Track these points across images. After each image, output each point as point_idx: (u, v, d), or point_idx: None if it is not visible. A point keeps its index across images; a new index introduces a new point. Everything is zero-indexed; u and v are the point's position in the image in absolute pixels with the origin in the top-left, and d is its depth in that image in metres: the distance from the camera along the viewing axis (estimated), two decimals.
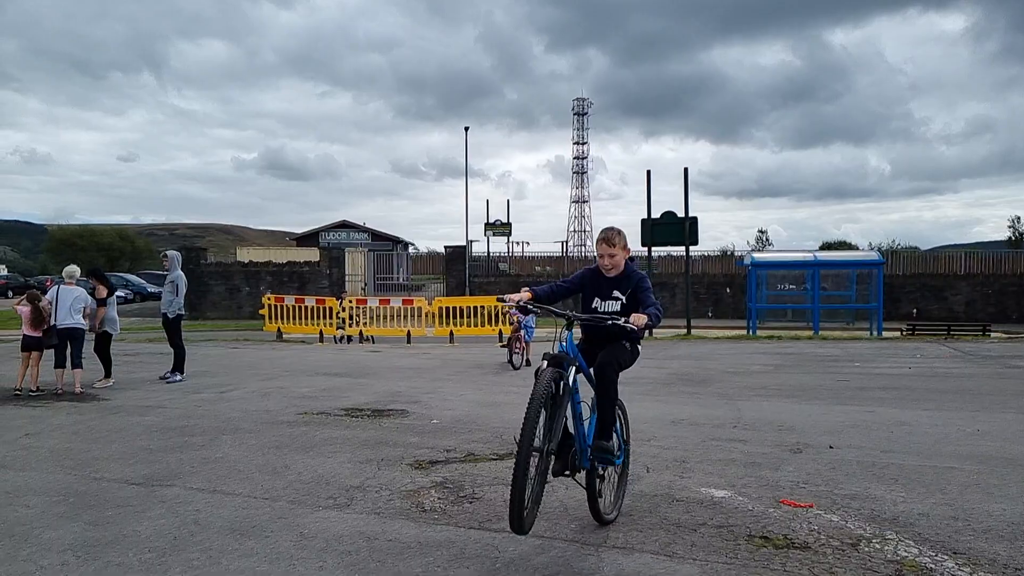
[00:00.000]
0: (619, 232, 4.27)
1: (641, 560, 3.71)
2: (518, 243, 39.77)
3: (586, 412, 4.04)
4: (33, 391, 9.17)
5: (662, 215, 17.61)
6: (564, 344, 3.82)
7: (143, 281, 42.50)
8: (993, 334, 17.64)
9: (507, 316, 15.71)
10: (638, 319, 3.81)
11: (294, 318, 19.13)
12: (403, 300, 19.53)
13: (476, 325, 18.05)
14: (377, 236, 50.96)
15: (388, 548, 3.87)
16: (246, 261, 33.58)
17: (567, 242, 54.94)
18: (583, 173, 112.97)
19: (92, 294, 10.17)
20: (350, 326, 18.68)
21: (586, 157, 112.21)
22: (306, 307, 19.23)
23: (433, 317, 18.73)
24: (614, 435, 4.14)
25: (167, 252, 11.11)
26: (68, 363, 9.43)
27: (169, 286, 10.54)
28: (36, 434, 6.83)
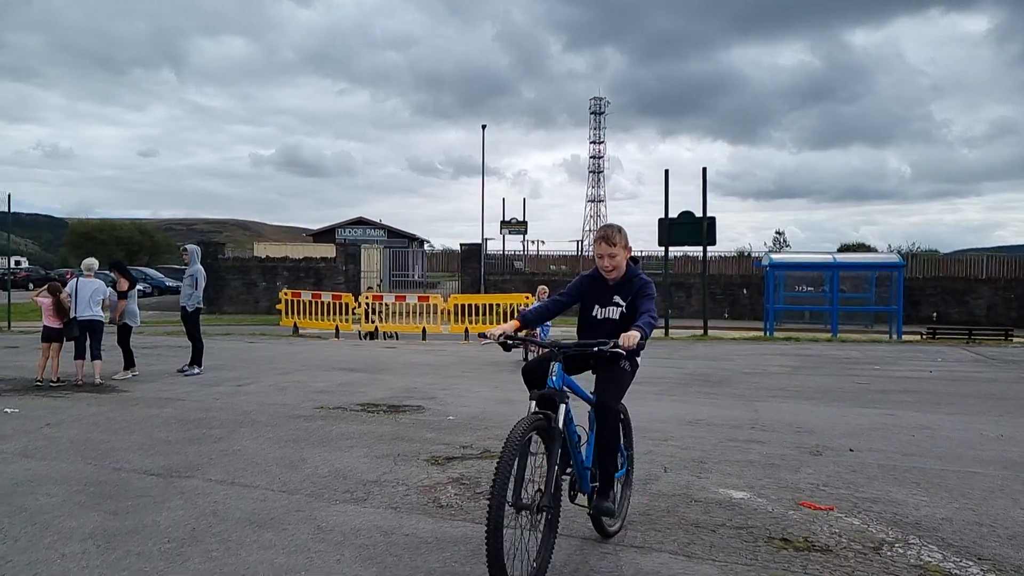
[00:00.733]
0: (619, 229, 3.87)
1: (659, 560, 3.68)
2: (533, 242, 39.79)
3: (581, 409, 3.83)
4: (54, 382, 9.27)
5: (680, 215, 17.51)
6: (554, 378, 3.40)
7: (161, 275, 42.94)
8: (1016, 339, 17.38)
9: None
10: (628, 339, 3.35)
11: (310, 313, 19.21)
12: (419, 297, 19.56)
13: (491, 322, 18.04)
14: (393, 233, 51.14)
15: (405, 543, 3.87)
16: (263, 256, 33.79)
17: (582, 241, 54.75)
18: (599, 172, 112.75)
19: (114, 286, 10.28)
20: (375, 322, 18.74)
21: (602, 156, 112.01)
22: (322, 303, 19.31)
23: (448, 314, 18.75)
24: (615, 484, 3.76)
25: (186, 246, 11.18)
26: (87, 355, 9.53)
27: (188, 280, 10.62)
28: (57, 424, 6.91)
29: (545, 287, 13.58)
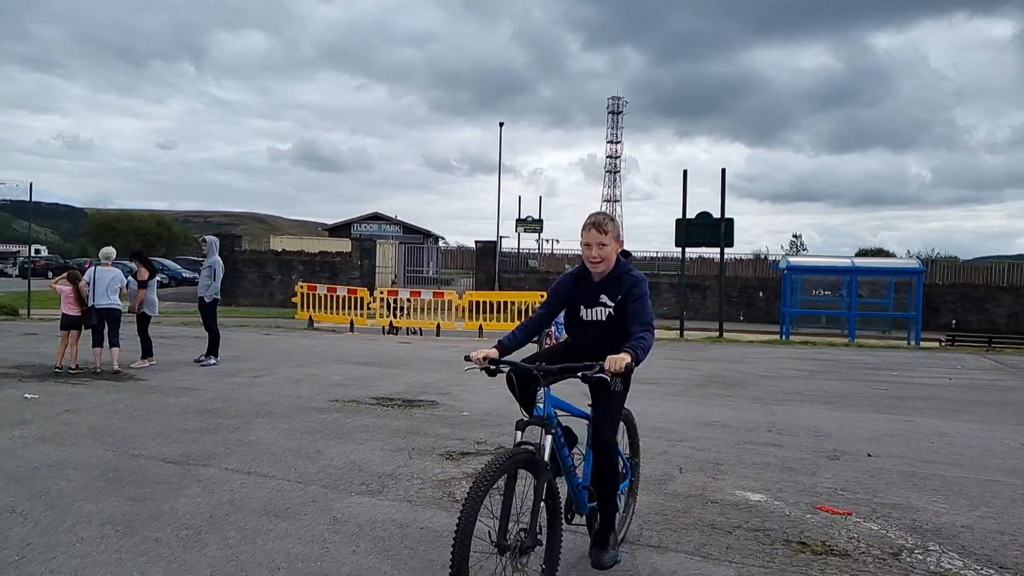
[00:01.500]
0: (612, 218, 3.49)
1: (676, 560, 3.66)
2: (548, 240, 39.76)
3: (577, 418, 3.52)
4: (72, 369, 9.37)
5: (697, 215, 17.41)
6: (540, 405, 3.09)
7: (178, 266, 43.30)
8: None
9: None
10: (615, 364, 2.97)
11: (326, 307, 19.30)
12: (434, 293, 19.59)
13: (506, 320, 18.04)
14: (408, 229, 51.27)
15: (420, 535, 3.87)
16: (279, 250, 34.01)
17: None
18: (616, 172, 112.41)
19: (134, 275, 10.37)
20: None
21: (619, 156, 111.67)
22: (338, 296, 19.39)
23: (463, 311, 18.77)
24: (615, 525, 3.47)
25: (205, 237, 11.26)
26: (105, 342, 9.62)
27: (207, 271, 10.70)
28: (76, 411, 6.98)
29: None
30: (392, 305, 19.01)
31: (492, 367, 3.26)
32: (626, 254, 3.58)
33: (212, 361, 10.40)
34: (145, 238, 58.59)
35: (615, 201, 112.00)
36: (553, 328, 12.25)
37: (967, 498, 4.80)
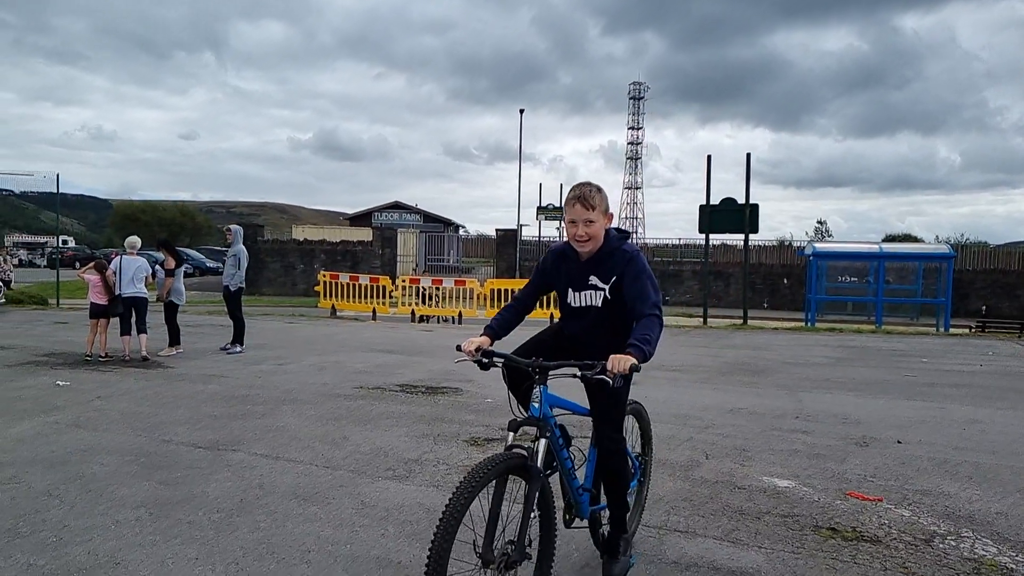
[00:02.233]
0: (598, 189, 3.01)
1: (704, 545, 3.64)
2: None
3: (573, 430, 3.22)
4: (102, 357, 9.53)
5: (721, 201, 17.20)
6: (536, 405, 2.80)
7: (202, 256, 43.80)
8: None
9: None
10: (618, 364, 2.61)
11: (348, 296, 19.41)
12: (455, 281, 19.62)
13: None
14: (429, 218, 51.40)
15: None
16: (301, 239, 34.23)
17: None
18: (637, 159, 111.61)
19: (161, 265, 10.51)
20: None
21: (641, 142, 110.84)
22: (360, 285, 19.50)
23: (484, 299, 18.78)
24: (624, 535, 3.20)
25: (230, 226, 11.36)
26: (133, 330, 9.76)
27: (231, 259, 10.79)
28: (107, 397, 7.10)
29: None
30: (421, 294, 19.06)
31: (485, 360, 2.95)
32: (621, 232, 3.15)
33: (238, 349, 10.52)
34: (169, 228, 59.36)
35: (636, 188, 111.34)
36: None
37: (1001, 485, 4.72)
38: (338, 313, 19.08)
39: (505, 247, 31.94)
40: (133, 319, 9.81)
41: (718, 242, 28.78)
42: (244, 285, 10.99)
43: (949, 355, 11.76)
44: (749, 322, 17.28)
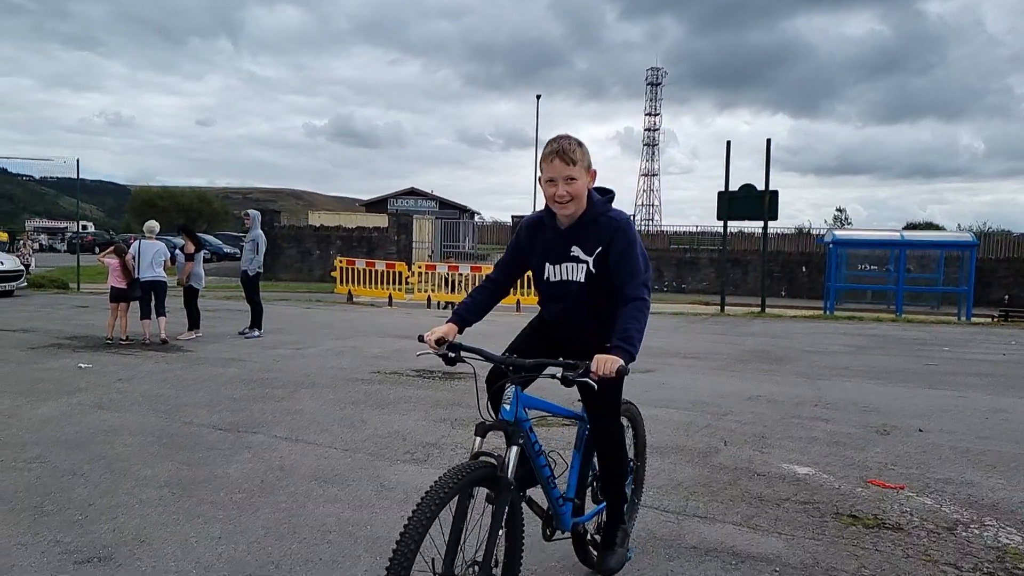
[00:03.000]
0: (579, 143, 2.62)
1: (723, 531, 3.63)
2: None
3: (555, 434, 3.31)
4: (123, 340, 9.64)
5: (741, 188, 17.03)
6: (507, 407, 2.45)
7: (219, 242, 44.10)
8: None
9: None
10: (603, 366, 2.31)
11: (364, 282, 19.49)
12: (471, 267, 19.63)
13: None
14: (444, 204, 51.37)
15: None
16: (317, 225, 34.35)
17: (634, 216, 54.22)
18: (654, 146, 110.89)
19: (181, 249, 10.60)
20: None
21: (658, 129, 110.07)
22: (376, 271, 19.56)
23: None
24: (622, 526, 2.93)
25: (248, 211, 11.42)
26: (152, 314, 9.86)
27: (250, 244, 10.85)
28: (128, 380, 7.18)
29: None
30: (442, 280, 19.03)
31: (451, 355, 2.58)
32: (605, 193, 2.74)
33: (256, 333, 10.60)
34: (187, 214, 59.75)
35: (653, 175, 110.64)
36: None
37: None
38: (354, 299, 19.16)
39: None
40: (152, 303, 9.90)
41: (735, 229, 28.58)
42: (262, 270, 11.06)
43: (971, 344, 11.61)
44: (767, 310, 17.17)
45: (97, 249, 33.88)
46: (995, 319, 17.52)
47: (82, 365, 7.88)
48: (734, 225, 21.72)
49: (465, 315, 2.78)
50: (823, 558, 3.33)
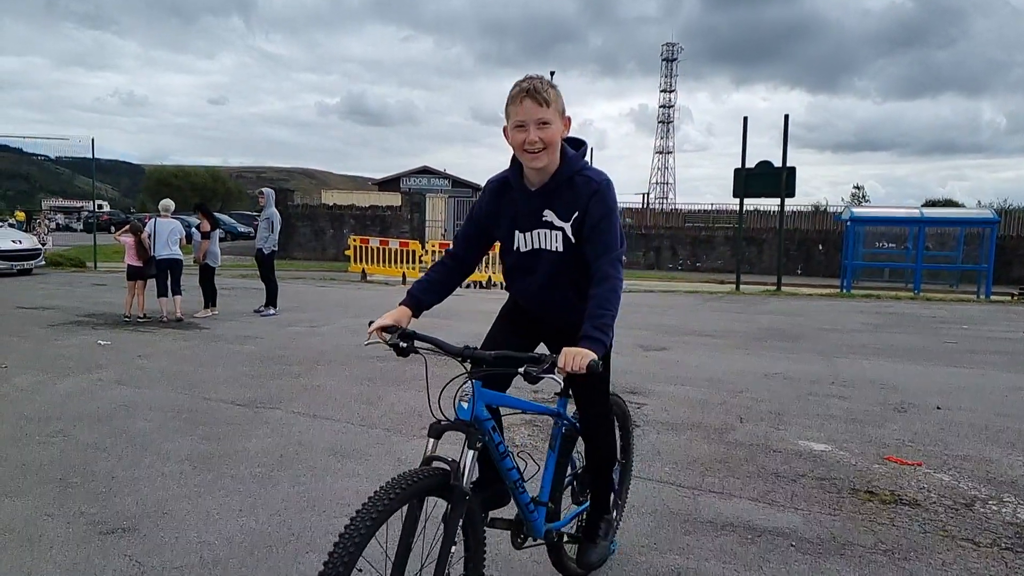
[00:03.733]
0: (552, 84, 2.23)
1: (740, 506, 3.63)
2: None
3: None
4: (140, 318, 9.74)
5: (757, 164, 16.83)
6: (465, 405, 2.16)
7: (233, 221, 44.31)
8: None
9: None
10: (572, 360, 2.01)
11: (378, 260, 19.54)
12: None
13: None
14: (457, 183, 51.21)
15: None
16: (331, 204, 34.41)
17: (648, 193, 53.88)
18: (669, 123, 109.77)
19: (197, 228, 10.66)
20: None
21: (673, 105, 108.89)
22: (389, 250, 19.60)
23: None
24: (607, 517, 2.71)
25: (262, 189, 11.44)
26: (168, 292, 9.95)
27: (264, 222, 10.88)
28: (147, 356, 7.26)
29: None
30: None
31: (402, 344, 2.27)
32: (580, 145, 2.36)
33: (271, 311, 10.67)
34: (201, 193, 60.04)
35: (668, 152, 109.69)
36: None
37: None
38: (368, 277, 19.23)
39: None
40: (168, 281, 9.99)
41: (751, 207, 28.24)
42: (277, 248, 11.10)
43: (991, 322, 11.49)
44: (783, 288, 17.05)
45: (113, 228, 34.18)
46: (1015, 297, 17.29)
47: (101, 342, 7.98)
48: (750, 203, 21.47)
49: (420, 296, 2.44)
50: (840, 533, 3.33)
